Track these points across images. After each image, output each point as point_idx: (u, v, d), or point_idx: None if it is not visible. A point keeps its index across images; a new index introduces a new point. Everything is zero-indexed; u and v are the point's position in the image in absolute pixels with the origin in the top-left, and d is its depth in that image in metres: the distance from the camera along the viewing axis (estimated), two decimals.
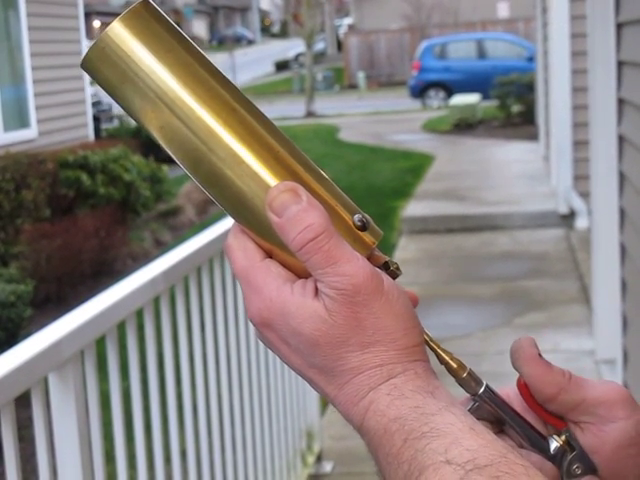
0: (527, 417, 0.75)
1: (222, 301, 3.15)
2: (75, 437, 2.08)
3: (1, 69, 10.63)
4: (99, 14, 45.83)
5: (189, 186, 12.02)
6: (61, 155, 10.01)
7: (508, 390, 0.76)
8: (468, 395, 0.74)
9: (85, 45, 12.16)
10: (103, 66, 0.70)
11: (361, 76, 32.09)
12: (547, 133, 11.72)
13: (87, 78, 11.61)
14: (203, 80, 0.70)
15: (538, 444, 0.74)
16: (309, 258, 0.68)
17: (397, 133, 18.77)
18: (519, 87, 18.60)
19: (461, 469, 0.62)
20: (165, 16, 0.72)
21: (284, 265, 0.71)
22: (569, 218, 9.16)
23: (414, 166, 13.93)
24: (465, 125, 18.43)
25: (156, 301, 2.60)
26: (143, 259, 8.83)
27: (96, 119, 14.13)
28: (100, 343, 2.28)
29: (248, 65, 42.71)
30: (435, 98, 24.95)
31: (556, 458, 0.74)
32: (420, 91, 25.03)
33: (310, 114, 24.80)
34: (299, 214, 0.68)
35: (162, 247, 9.96)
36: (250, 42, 63.26)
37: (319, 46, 40.64)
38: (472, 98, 19.46)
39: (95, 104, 15.31)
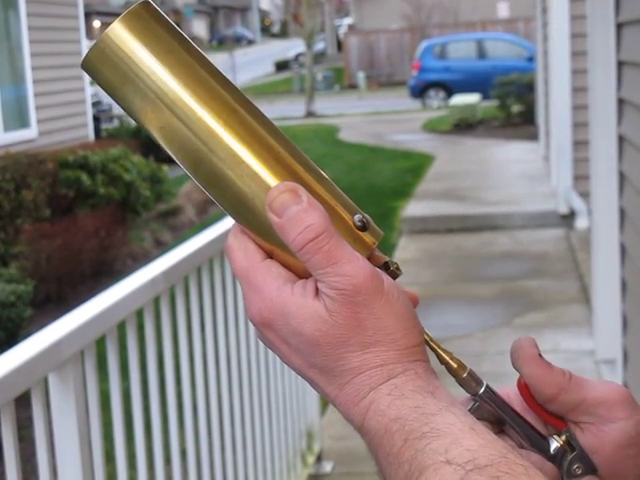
0: (527, 417, 0.75)
1: (222, 301, 3.15)
2: (75, 437, 2.08)
3: (1, 69, 10.63)
4: (99, 14, 45.83)
5: (189, 186, 12.02)
6: (61, 155, 10.01)
7: (508, 390, 0.76)
8: (468, 395, 0.74)
9: (85, 45, 12.16)
10: (103, 67, 0.70)
11: (361, 76, 32.09)
12: (547, 133, 11.72)
13: (87, 78, 11.61)
14: (203, 81, 0.70)
15: (538, 444, 0.74)
16: (309, 258, 0.68)
17: (397, 133, 18.77)
18: (519, 87, 18.60)
19: (461, 469, 0.62)
20: (165, 17, 0.72)
21: (284, 265, 0.71)
22: (569, 218, 9.16)
23: (414, 166, 13.94)
24: (465, 125, 18.43)
25: (156, 301, 2.60)
26: (143, 259, 8.83)
27: (96, 119, 14.13)
28: (100, 343, 2.28)
29: (248, 65, 42.71)
30: (435, 98, 24.95)
31: (556, 458, 0.74)
32: (420, 91, 25.03)
33: (310, 114, 24.80)
34: (299, 214, 0.68)
35: (162, 247, 9.96)
36: (250, 42, 63.26)
37: (319, 46, 40.64)
38: (472, 98, 19.46)
39: (95, 104, 15.31)
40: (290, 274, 0.71)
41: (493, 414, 0.73)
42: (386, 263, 0.73)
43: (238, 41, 59.61)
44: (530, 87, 17.19)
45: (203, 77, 0.71)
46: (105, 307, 2.27)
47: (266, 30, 73.74)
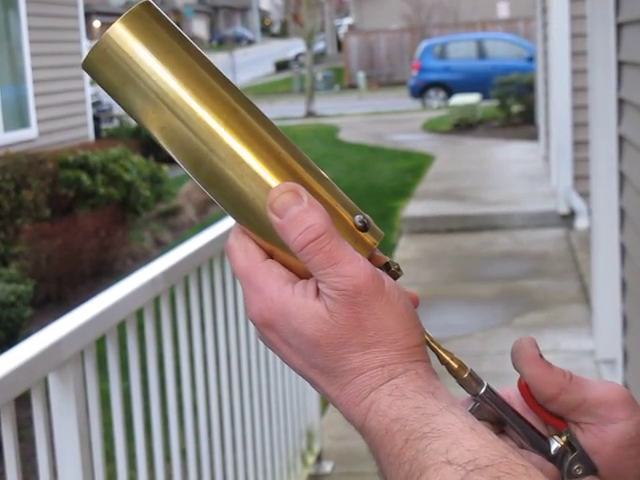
0: (528, 418, 0.75)
1: (222, 301, 3.15)
2: (75, 437, 2.08)
3: (1, 69, 10.63)
4: (99, 14, 45.83)
5: (189, 186, 12.02)
6: (61, 155, 10.01)
7: (509, 390, 0.76)
8: (469, 395, 0.74)
9: (85, 45, 12.16)
10: (104, 67, 0.70)
11: (361, 76, 32.09)
12: (547, 133, 11.72)
13: (87, 78, 11.61)
14: (204, 81, 0.71)
15: (539, 445, 0.74)
16: (310, 259, 0.68)
17: (397, 133, 18.77)
18: (519, 87, 18.61)
19: (462, 469, 0.62)
20: (166, 17, 0.72)
21: (285, 266, 0.71)
22: (569, 218, 9.16)
23: (414, 166, 13.94)
24: (465, 125, 18.43)
25: (156, 301, 2.60)
26: (143, 259, 8.83)
27: (96, 119, 14.13)
28: (100, 343, 2.28)
29: (248, 65, 42.71)
30: (435, 98, 24.95)
31: (557, 459, 0.74)
32: (420, 91, 25.03)
33: (310, 114, 24.80)
34: (300, 215, 0.68)
35: (162, 247, 9.96)
36: (250, 42, 63.27)
37: (319, 46, 40.65)
38: (472, 98, 19.46)
39: (95, 104, 15.31)
40: (291, 274, 0.71)
41: (494, 414, 0.73)
42: (387, 264, 0.73)
43: (238, 41, 59.62)
44: (530, 87, 17.20)
45: (203, 77, 0.71)
46: (105, 307, 2.27)
47: (266, 30, 73.75)
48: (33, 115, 10.89)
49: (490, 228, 9.47)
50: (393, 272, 0.73)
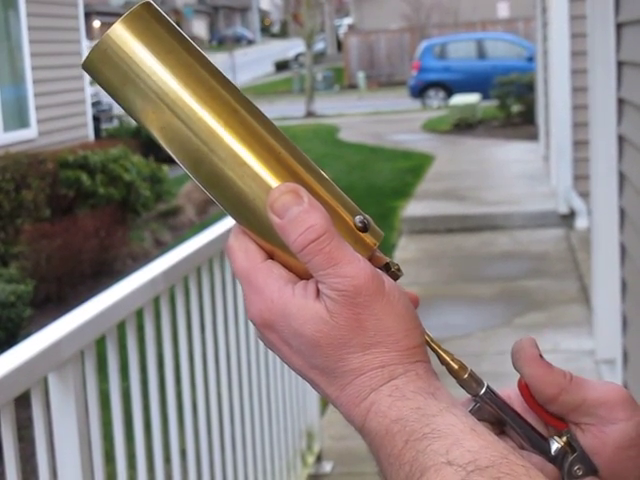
0: (528, 418, 0.75)
1: (222, 301, 3.15)
2: (75, 437, 2.08)
3: (1, 69, 10.63)
4: (99, 14, 45.83)
5: (189, 186, 12.02)
6: (61, 155, 10.01)
7: (509, 391, 0.76)
8: (469, 396, 0.74)
9: (85, 45, 12.16)
10: (105, 67, 0.70)
11: (361, 76, 32.09)
12: (547, 133, 11.72)
13: (87, 78, 11.62)
14: (204, 81, 0.71)
15: (539, 445, 0.74)
16: (310, 259, 0.68)
17: (397, 133, 18.77)
18: (519, 87, 18.61)
19: (462, 470, 0.62)
20: (166, 17, 0.72)
21: (285, 266, 0.71)
22: (569, 218, 9.16)
23: (414, 166, 13.94)
24: (465, 125, 18.43)
25: (156, 301, 2.60)
26: (143, 259, 8.83)
27: (96, 119, 14.14)
28: (100, 343, 2.28)
29: (248, 65, 42.71)
30: (435, 98, 24.95)
31: (557, 459, 0.74)
32: (420, 91, 25.03)
33: (310, 114, 24.80)
34: (300, 215, 0.68)
35: (162, 247, 9.96)
36: (250, 42, 63.27)
37: (319, 46, 40.65)
38: (472, 98, 19.47)
39: (95, 104, 15.32)
40: (291, 275, 0.71)
41: (494, 415, 0.73)
42: (387, 264, 0.73)
43: (238, 41, 59.62)
44: (530, 87, 17.20)
45: (203, 77, 0.71)
46: (105, 307, 2.27)
47: (266, 30, 73.75)
48: (33, 115, 10.90)
49: (490, 228, 9.47)
50: (393, 273, 0.73)
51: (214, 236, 3.10)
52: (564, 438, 0.74)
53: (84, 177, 9.90)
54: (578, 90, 8.34)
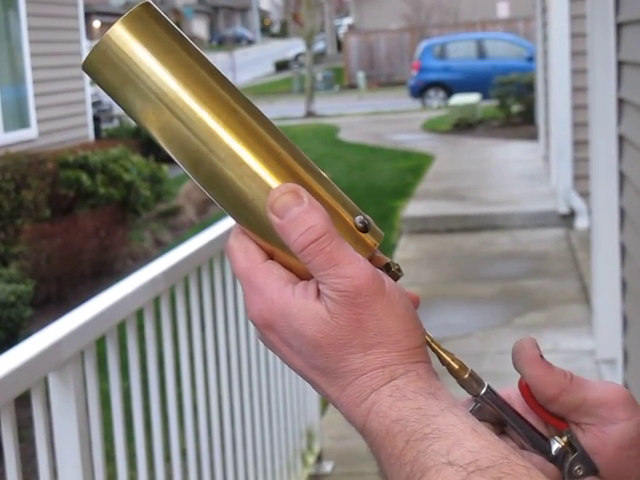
0: (528, 418, 0.75)
1: (222, 301, 3.15)
2: (75, 437, 2.08)
3: (1, 69, 10.63)
4: (99, 14, 45.83)
5: (189, 186, 12.02)
6: (61, 155, 10.01)
7: (509, 391, 0.76)
8: (470, 396, 0.74)
9: (85, 45, 12.16)
10: (104, 68, 0.70)
11: (361, 76, 32.09)
12: (547, 133, 11.72)
13: (87, 78, 11.60)
14: (203, 81, 0.71)
15: (539, 445, 0.74)
16: (311, 260, 0.68)
17: (397, 133, 18.77)
18: (519, 87, 18.61)
19: (463, 470, 0.62)
20: (166, 17, 0.72)
21: (285, 266, 0.71)
22: (569, 218, 9.16)
23: (414, 166, 13.94)
24: (465, 125, 18.43)
25: (156, 301, 2.60)
26: (143, 259, 8.83)
27: (96, 119, 14.13)
28: (100, 343, 2.28)
29: (248, 65, 42.71)
30: (435, 98, 24.95)
31: (557, 459, 0.74)
32: (420, 91, 25.03)
33: (310, 114, 24.80)
34: (301, 216, 0.68)
35: (162, 247, 9.96)
36: (250, 42, 63.27)
37: (319, 46, 40.65)
38: (472, 98, 19.47)
39: (95, 104, 15.31)
40: (291, 275, 0.71)
41: (494, 415, 0.73)
42: (387, 264, 0.73)
43: (238, 41, 59.61)
44: (530, 87, 17.20)
45: (203, 77, 0.71)
46: (105, 307, 2.27)
47: (266, 30, 73.74)
48: (33, 115, 10.90)
49: (490, 228, 9.47)
50: (393, 273, 0.73)
51: (214, 236, 3.10)
52: (565, 438, 0.74)
53: (84, 177, 9.90)
54: (578, 90, 8.34)
